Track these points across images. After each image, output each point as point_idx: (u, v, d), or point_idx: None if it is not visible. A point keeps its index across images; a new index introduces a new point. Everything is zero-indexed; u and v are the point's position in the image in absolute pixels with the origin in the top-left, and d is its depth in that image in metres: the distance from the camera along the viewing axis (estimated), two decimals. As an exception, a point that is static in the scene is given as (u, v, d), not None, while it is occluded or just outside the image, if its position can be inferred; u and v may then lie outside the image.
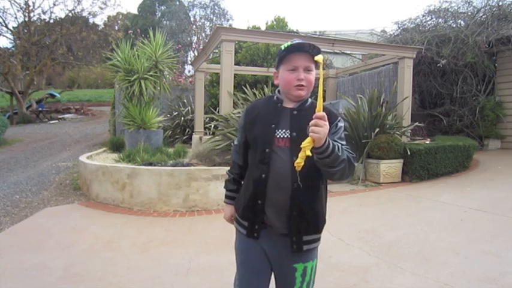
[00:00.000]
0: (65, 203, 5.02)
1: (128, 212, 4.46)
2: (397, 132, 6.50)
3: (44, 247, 3.38)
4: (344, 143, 1.34)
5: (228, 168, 1.65)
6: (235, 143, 1.59)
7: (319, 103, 1.19)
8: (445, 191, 5.31)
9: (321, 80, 1.24)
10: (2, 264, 3.00)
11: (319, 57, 1.26)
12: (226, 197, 1.63)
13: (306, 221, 1.37)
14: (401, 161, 6.01)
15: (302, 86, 1.36)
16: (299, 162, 1.19)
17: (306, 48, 1.32)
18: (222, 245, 3.36)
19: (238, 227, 1.52)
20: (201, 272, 2.83)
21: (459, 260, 2.92)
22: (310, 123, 1.17)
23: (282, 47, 1.37)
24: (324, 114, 1.17)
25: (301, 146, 1.19)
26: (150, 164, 4.98)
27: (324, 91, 10.64)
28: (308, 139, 1.18)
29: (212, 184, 4.56)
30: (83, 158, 5.92)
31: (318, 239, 1.45)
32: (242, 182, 1.56)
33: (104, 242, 3.51)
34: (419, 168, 5.96)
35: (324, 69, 10.61)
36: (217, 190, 4.54)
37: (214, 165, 5.01)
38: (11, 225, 4.09)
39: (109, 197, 4.79)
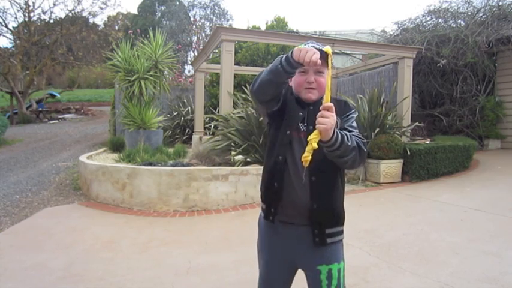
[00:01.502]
0: (65, 203, 5.02)
1: (127, 212, 4.46)
2: (397, 132, 6.50)
3: (44, 247, 3.39)
4: (354, 130, 1.34)
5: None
6: None
7: (327, 95, 1.17)
8: (445, 191, 5.31)
9: (329, 72, 1.21)
10: (2, 264, 3.00)
11: (327, 48, 1.23)
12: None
13: (327, 213, 1.37)
14: (401, 161, 6.01)
15: (312, 88, 1.34)
16: (306, 156, 1.17)
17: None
18: (222, 245, 3.37)
19: (261, 211, 1.51)
20: (201, 272, 2.83)
21: (459, 260, 2.92)
22: (318, 114, 1.15)
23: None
24: (331, 105, 1.15)
25: (308, 139, 1.16)
26: (150, 164, 4.98)
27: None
28: (315, 132, 1.16)
29: (212, 184, 4.55)
30: (83, 158, 5.92)
31: (341, 232, 1.44)
32: None
33: (104, 242, 3.51)
34: (419, 168, 5.95)
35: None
36: (217, 190, 4.54)
37: (214, 165, 5.01)
38: (11, 225, 4.09)
39: (109, 197, 4.80)
